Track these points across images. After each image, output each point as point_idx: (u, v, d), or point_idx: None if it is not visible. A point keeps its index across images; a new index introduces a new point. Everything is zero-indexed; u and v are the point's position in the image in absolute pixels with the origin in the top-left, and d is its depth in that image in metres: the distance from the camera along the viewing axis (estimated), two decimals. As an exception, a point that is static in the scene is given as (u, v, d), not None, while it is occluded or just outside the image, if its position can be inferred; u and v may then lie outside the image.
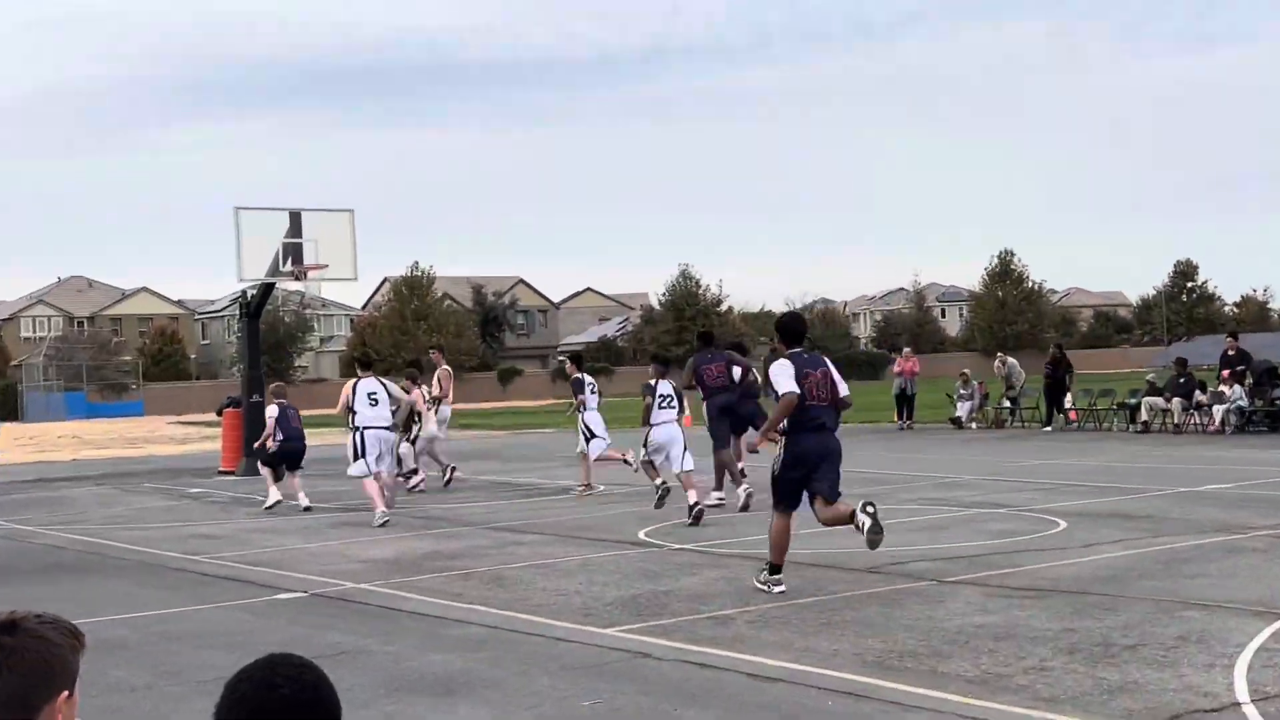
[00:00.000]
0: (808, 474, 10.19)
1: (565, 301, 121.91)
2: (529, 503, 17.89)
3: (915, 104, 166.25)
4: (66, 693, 2.42)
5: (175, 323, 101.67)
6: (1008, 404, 31.85)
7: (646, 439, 15.85)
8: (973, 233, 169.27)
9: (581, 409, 17.99)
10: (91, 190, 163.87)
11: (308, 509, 17.54)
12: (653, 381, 15.99)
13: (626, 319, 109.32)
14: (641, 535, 13.74)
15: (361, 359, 22.12)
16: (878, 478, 19.28)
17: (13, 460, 32.82)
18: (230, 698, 2.30)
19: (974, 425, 31.44)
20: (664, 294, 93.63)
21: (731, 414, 16.43)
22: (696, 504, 14.65)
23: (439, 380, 21.36)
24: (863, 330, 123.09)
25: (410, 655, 8.42)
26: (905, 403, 32.36)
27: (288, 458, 18.36)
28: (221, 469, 25.11)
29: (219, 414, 26.61)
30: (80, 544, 15.00)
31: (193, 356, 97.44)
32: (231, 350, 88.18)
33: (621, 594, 10.34)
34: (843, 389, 10.42)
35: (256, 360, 25.87)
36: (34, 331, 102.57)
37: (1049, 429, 29.57)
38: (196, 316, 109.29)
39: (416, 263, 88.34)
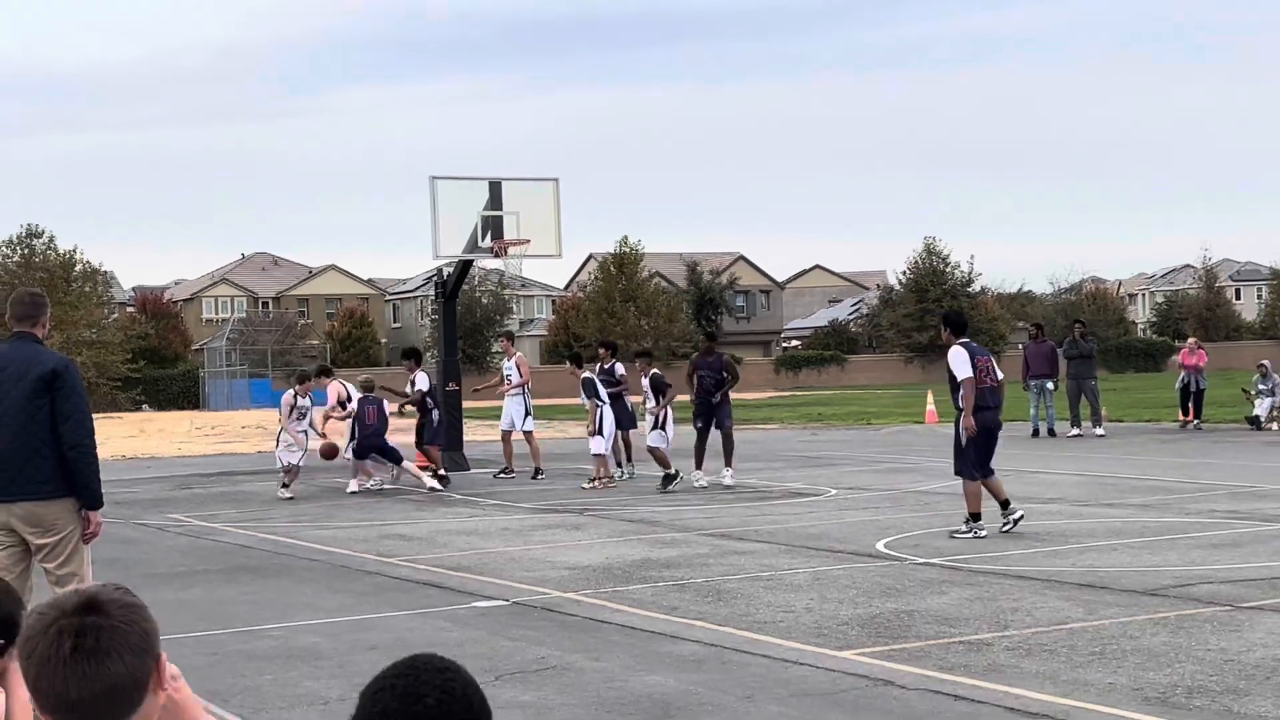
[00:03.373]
0: (989, 445, 14.02)
1: (790, 281, 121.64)
2: (752, 507, 17.96)
3: (1209, 48, 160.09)
4: (164, 656, 2.45)
5: (365, 304, 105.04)
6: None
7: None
8: (1275, 201, 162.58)
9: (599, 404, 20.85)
10: (277, 158, 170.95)
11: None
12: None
13: (861, 300, 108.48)
14: (880, 547, 13.67)
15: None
16: (1159, 485, 18.70)
17: (195, 451, 34.49)
18: (370, 709, 2.28)
19: (1275, 426, 30.20)
20: (905, 272, 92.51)
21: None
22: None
23: (519, 367, 23.41)
24: (1140, 314, 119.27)
25: (621, 674, 8.57)
26: (1191, 399, 31.26)
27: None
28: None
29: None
30: (268, 543, 15.71)
31: (383, 340, 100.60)
32: (425, 334, 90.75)
33: (859, 612, 10.32)
34: (998, 374, 14.33)
35: (453, 344, 26.57)
36: (216, 313, 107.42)
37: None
38: (388, 297, 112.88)
39: (626, 237, 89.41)
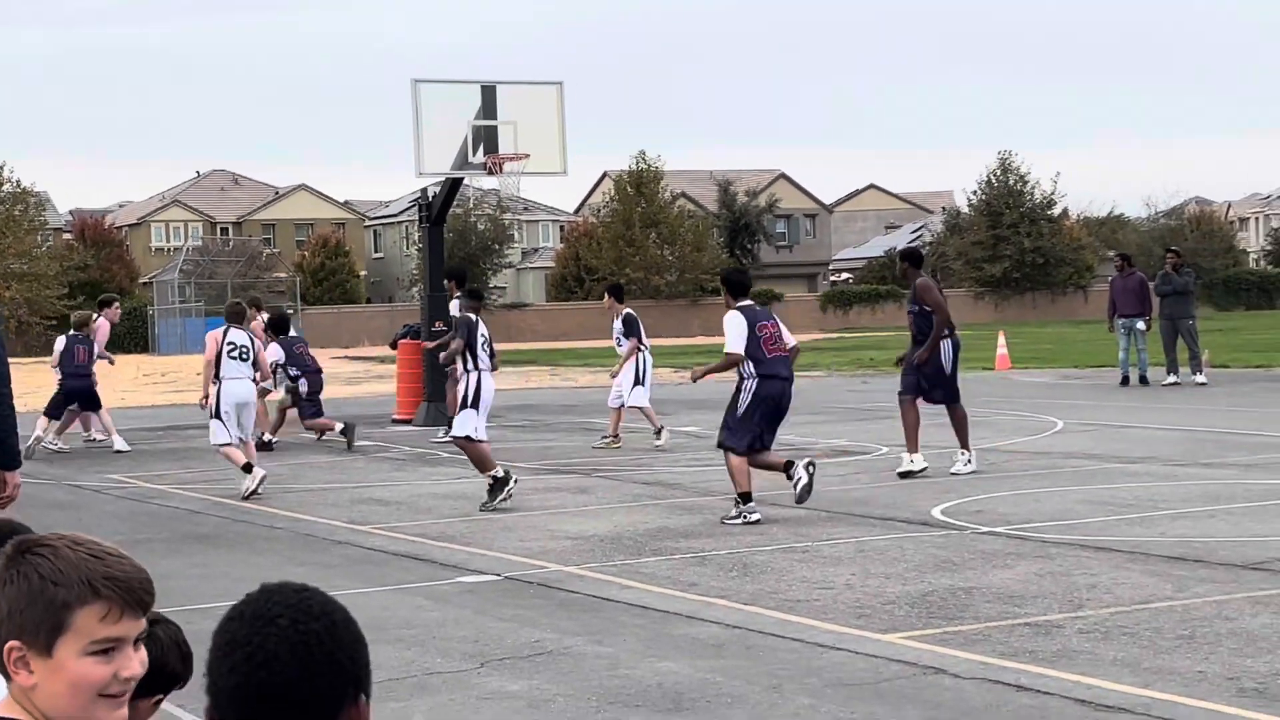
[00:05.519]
0: (766, 420, 13.79)
1: (840, 203, 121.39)
2: (788, 467, 17.95)
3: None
4: (13, 645, 2.48)
5: (341, 230, 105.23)
6: None
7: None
8: None
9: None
10: (238, 58, 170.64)
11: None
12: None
13: (923, 226, 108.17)
14: (936, 514, 13.69)
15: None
16: (1269, 441, 18.61)
17: (140, 402, 34.62)
18: (218, 642, 2.40)
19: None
20: (975, 193, 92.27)
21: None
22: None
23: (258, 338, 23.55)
24: (1253, 241, 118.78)
25: (628, 660, 8.60)
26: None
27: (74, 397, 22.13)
28: (396, 416, 25.96)
29: (393, 346, 27.50)
30: (222, 509, 15.80)
31: (362, 274, 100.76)
32: (411, 265, 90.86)
33: (908, 589, 10.34)
34: (790, 340, 14.03)
35: (440, 277, 26.54)
36: (167, 240, 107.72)
37: None
38: (367, 222, 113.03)
39: (643, 153, 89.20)
